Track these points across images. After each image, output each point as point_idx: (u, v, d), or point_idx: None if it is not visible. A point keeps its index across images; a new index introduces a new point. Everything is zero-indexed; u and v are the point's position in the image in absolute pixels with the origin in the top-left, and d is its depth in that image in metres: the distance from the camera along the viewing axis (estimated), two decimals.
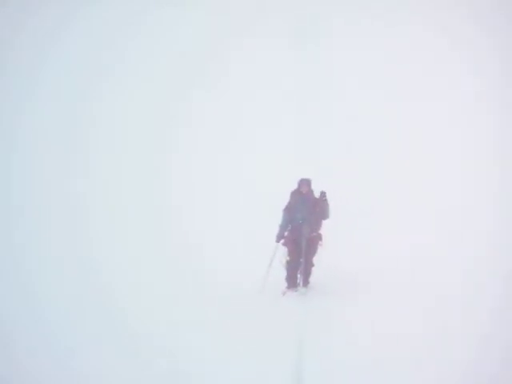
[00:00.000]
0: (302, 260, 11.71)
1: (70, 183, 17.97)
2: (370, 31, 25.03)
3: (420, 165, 18.23)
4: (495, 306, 10.45)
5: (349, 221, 15.07)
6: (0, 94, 22.97)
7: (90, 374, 9.02)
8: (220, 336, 10.06)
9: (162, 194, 17.26)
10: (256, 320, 10.75)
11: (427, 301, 10.85)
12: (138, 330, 10.36)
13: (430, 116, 20.80)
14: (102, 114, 22.09)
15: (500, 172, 17.18)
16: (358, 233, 14.47)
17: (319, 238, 11.86)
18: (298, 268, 11.77)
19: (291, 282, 11.87)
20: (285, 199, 12.02)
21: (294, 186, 11.87)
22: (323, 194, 11.80)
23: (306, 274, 11.86)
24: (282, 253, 11.90)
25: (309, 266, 11.86)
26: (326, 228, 11.94)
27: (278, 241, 11.86)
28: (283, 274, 11.91)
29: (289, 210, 11.77)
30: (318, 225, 11.81)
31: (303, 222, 11.69)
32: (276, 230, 11.83)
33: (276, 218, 11.88)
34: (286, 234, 11.85)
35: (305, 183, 11.79)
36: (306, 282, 11.87)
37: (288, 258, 11.84)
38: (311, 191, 11.81)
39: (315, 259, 11.90)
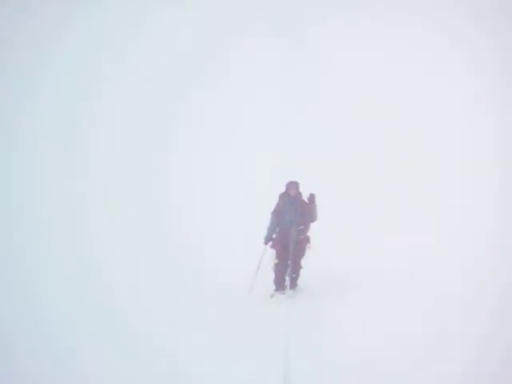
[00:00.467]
0: (289, 262, 11.72)
1: (69, 183, 17.97)
2: (370, 31, 25.02)
3: (420, 165, 18.22)
4: (495, 306, 10.45)
5: (348, 221, 15.09)
6: (0, 94, 22.97)
7: (89, 373, 9.04)
8: (215, 336, 10.08)
9: (161, 194, 17.26)
10: (244, 321, 10.76)
11: (427, 301, 10.85)
12: (137, 330, 10.36)
13: (430, 116, 20.79)
14: (101, 114, 22.08)
15: (500, 172, 17.17)
16: (357, 233, 14.46)
17: (307, 240, 11.88)
18: (286, 270, 11.78)
19: (279, 285, 11.89)
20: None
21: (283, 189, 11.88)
22: (312, 196, 11.81)
23: (294, 277, 11.89)
24: (270, 255, 11.90)
25: (297, 268, 11.88)
26: (319, 229, 11.97)
27: (266, 243, 11.86)
28: (271, 276, 11.92)
29: (277, 212, 11.79)
30: (306, 227, 11.82)
31: (291, 224, 11.70)
32: (264, 232, 11.84)
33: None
34: (274, 236, 11.86)
35: (293, 186, 11.81)
36: (293, 285, 11.91)
37: (276, 261, 11.84)
38: (299, 194, 11.83)
39: (303, 262, 11.92)
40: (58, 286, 12.18)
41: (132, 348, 9.73)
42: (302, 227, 11.73)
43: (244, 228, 15.04)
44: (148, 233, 15.10)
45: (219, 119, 21.84)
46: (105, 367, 9.16)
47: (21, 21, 25.85)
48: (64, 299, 11.56)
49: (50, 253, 13.89)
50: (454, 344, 9.31)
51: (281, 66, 24.25)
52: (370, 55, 24.04)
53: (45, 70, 24.18)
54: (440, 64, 22.98)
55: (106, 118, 22.00)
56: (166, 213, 16.21)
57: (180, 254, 13.72)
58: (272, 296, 11.84)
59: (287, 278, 11.82)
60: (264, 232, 11.84)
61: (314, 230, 12.05)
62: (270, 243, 11.86)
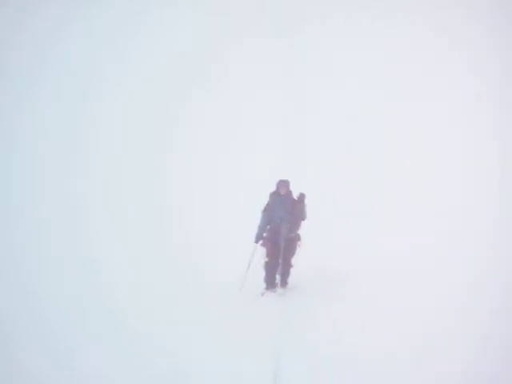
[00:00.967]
0: (280, 261, 11.74)
1: (69, 183, 17.98)
2: (370, 31, 25.02)
3: (420, 165, 18.22)
4: (495, 306, 10.45)
5: (348, 221, 15.10)
6: (0, 94, 22.98)
7: (90, 373, 9.03)
8: (212, 336, 10.08)
9: (161, 194, 17.26)
10: (235, 321, 10.76)
11: (427, 301, 10.85)
12: (137, 330, 10.36)
13: (429, 116, 20.79)
14: (101, 114, 22.09)
15: (500, 172, 17.18)
16: (356, 233, 14.46)
17: (298, 238, 11.91)
18: (277, 269, 11.80)
19: (270, 283, 11.91)
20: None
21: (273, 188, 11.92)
22: (302, 195, 11.85)
23: (285, 275, 11.92)
24: (260, 253, 11.92)
25: (287, 266, 11.91)
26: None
27: (256, 241, 11.91)
28: (262, 274, 11.93)
29: (267, 211, 11.83)
30: (296, 225, 11.85)
31: (281, 222, 11.73)
32: (255, 230, 11.87)
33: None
34: (264, 234, 11.89)
35: (283, 184, 11.87)
36: (284, 283, 11.94)
37: (266, 259, 11.87)
38: (289, 192, 11.89)
39: (293, 260, 11.95)
40: (58, 286, 12.19)
41: (132, 348, 9.73)
42: (292, 225, 11.74)
43: (244, 228, 15.05)
44: (148, 233, 15.11)
45: (219, 119, 21.84)
46: (105, 367, 9.16)
47: (21, 21, 25.86)
48: (64, 299, 11.56)
49: (50, 253, 13.89)
50: (454, 344, 9.31)
51: (281, 66, 24.25)
52: (369, 55, 24.03)
53: (45, 70, 24.19)
54: (440, 64, 22.98)
55: (105, 117, 22.00)
56: (165, 213, 16.21)
57: (180, 254, 13.72)
58: (263, 294, 11.86)
59: (278, 276, 11.84)
60: (255, 230, 11.87)
61: (315, 230, 12.06)
62: (261, 241, 11.90)
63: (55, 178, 18.32)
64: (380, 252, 13.18)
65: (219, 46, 24.77)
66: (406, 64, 23.22)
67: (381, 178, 17.73)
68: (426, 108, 21.22)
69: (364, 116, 21.17)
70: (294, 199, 11.87)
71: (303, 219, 11.89)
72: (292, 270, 11.98)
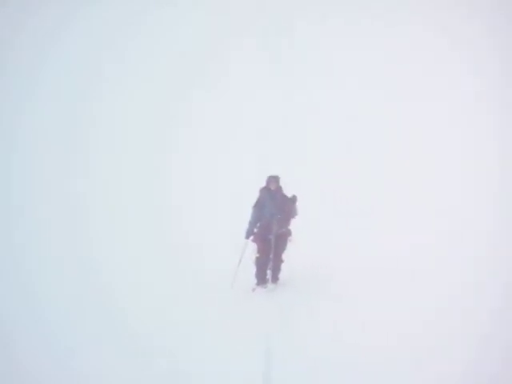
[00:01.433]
0: (271, 256, 11.78)
1: (69, 183, 17.97)
2: (370, 31, 25.01)
3: (420, 165, 18.21)
4: (495, 306, 10.45)
5: (348, 221, 15.09)
6: (0, 94, 22.97)
7: (90, 373, 9.03)
8: (209, 336, 10.08)
9: (161, 194, 17.25)
10: (226, 318, 10.78)
11: (427, 301, 10.84)
12: (137, 330, 10.36)
13: (429, 116, 20.79)
14: (101, 114, 22.08)
15: (500, 172, 17.17)
16: (357, 233, 14.45)
17: (289, 234, 11.94)
18: (268, 264, 11.85)
19: (261, 279, 11.94)
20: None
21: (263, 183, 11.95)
22: (294, 197, 11.88)
23: (276, 271, 11.96)
24: (251, 249, 11.94)
25: (278, 262, 11.95)
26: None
27: (247, 237, 11.93)
28: (253, 270, 11.95)
29: (258, 206, 11.87)
30: (286, 221, 11.87)
31: (272, 218, 11.76)
32: (245, 226, 11.91)
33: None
34: (255, 230, 11.92)
35: (273, 180, 11.90)
36: (275, 279, 11.98)
37: (257, 255, 11.91)
38: (280, 188, 11.92)
39: (284, 255, 11.98)
40: (58, 286, 12.18)
41: (132, 348, 9.73)
42: (282, 221, 11.77)
43: (243, 227, 15.04)
44: (148, 233, 15.10)
45: (219, 119, 21.83)
46: (105, 367, 9.16)
47: (21, 21, 25.85)
48: (64, 299, 11.56)
49: (50, 253, 13.89)
50: (454, 344, 9.30)
51: (281, 66, 24.24)
52: (369, 55, 24.03)
53: (45, 70, 24.18)
54: (440, 64, 22.98)
55: (106, 118, 21.99)
56: (165, 213, 16.21)
57: (180, 254, 13.72)
58: (253, 290, 11.89)
59: (269, 272, 11.88)
60: (245, 226, 11.91)
61: (315, 229, 12.06)
62: (252, 237, 11.93)
63: (55, 177, 18.31)
64: (380, 252, 13.17)
65: (219, 45, 24.76)
66: (406, 64, 23.21)
67: (381, 178, 17.72)
68: (426, 108, 21.22)
69: (364, 116, 21.16)
70: (284, 195, 11.91)
71: (294, 216, 11.91)
72: (283, 266, 12.01)
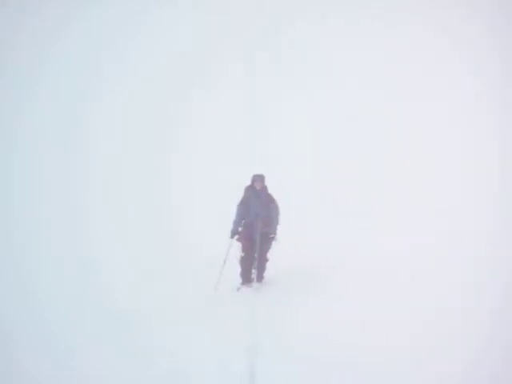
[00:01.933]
0: (256, 255, 11.78)
1: (70, 183, 17.97)
2: (370, 31, 25.01)
3: (420, 165, 18.22)
4: (495, 306, 10.45)
5: (348, 221, 15.09)
6: (0, 94, 22.97)
7: (90, 373, 9.03)
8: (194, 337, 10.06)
9: (162, 194, 17.26)
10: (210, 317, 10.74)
11: (427, 301, 10.84)
12: (137, 330, 10.36)
13: (430, 116, 20.79)
14: (101, 113, 22.09)
15: (500, 172, 17.17)
16: (357, 233, 14.45)
17: (274, 233, 11.94)
18: (253, 263, 11.84)
19: (246, 278, 11.94)
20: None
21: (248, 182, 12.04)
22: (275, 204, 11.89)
23: (261, 270, 11.97)
24: (236, 248, 11.96)
25: (263, 261, 11.97)
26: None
27: (232, 236, 11.96)
28: (238, 269, 11.98)
29: (242, 205, 11.90)
30: (271, 220, 11.87)
31: (257, 217, 11.78)
32: (230, 225, 11.92)
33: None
34: (240, 229, 11.94)
35: (258, 179, 11.95)
36: (260, 278, 11.99)
37: (242, 254, 11.92)
38: (265, 187, 11.96)
39: (269, 254, 12.01)
40: (58, 286, 12.19)
41: (132, 348, 9.73)
42: (267, 220, 11.80)
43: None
44: (148, 233, 15.10)
45: (219, 119, 21.83)
46: (105, 367, 9.15)
47: (21, 21, 25.85)
48: (64, 299, 11.56)
49: (50, 253, 13.89)
50: (454, 344, 9.30)
51: (281, 66, 24.24)
52: (369, 55, 24.03)
53: (45, 70, 24.18)
54: (440, 64, 22.98)
55: (105, 117, 22.00)
56: (165, 213, 16.21)
57: (180, 254, 13.72)
58: (238, 289, 11.90)
59: (254, 271, 11.87)
60: (230, 225, 11.93)
61: (314, 229, 12.04)
62: (236, 236, 11.94)
63: (55, 178, 18.32)
64: (380, 252, 13.17)
65: (219, 46, 24.76)
66: (406, 64, 23.21)
67: (381, 178, 17.72)
68: (426, 108, 21.22)
69: (364, 116, 21.16)
70: (269, 194, 11.96)
71: (276, 216, 11.91)
72: (268, 265, 12.02)
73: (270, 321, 10.35)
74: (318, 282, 12.07)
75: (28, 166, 19.11)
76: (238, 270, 12.01)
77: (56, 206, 16.64)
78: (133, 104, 22.70)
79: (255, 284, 11.86)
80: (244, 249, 11.91)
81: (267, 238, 11.90)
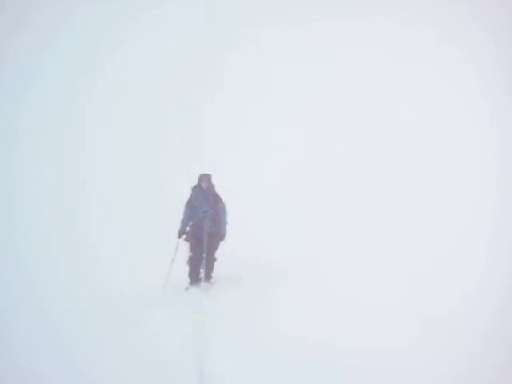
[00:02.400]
0: (203, 255, 11.77)
1: (70, 183, 17.98)
2: (370, 31, 25.02)
3: (420, 165, 18.22)
4: (495, 306, 10.45)
5: (348, 221, 15.09)
6: (0, 94, 22.98)
7: (90, 373, 9.03)
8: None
9: (161, 194, 17.25)
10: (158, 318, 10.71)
11: (426, 301, 10.84)
12: (138, 330, 10.36)
13: (430, 116, 20.80)
14: (101, 113, 22.10)
15: (501, 173, 17.17)
16: (356, 233, 14.45)
17: (223, 232, 11.93)
18: (201, 263, 11.83)
19: (194, 278, 11.91)
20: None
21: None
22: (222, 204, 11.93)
23: (209, 269, 11.94)
24: (184, 248, 11.94)
25: (211, 260, 11.95)
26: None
27: (179, 236, 11.98)
28: (186, 269, 11.96)
29: (189, 205, 11.92)
30: (219, 219, 11.88)
31: (204, 216, 11.77)
32: (178, 225, 11.93)
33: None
34: (187, 229, 11.94)
35: (205, 179, 12.01)
36: (208, 277, 11.96)
37: (190, 254, 11.91)
38: (212, 186, 12.00)
39: (217, 254, 12.00)
40: (58, 286, 12.18)
41: (132, 348, 9.73)
42: (214, 219, 11.81)
43: (243, 227, 15.04)
44: (148, 233, 15.10)
45: (219, 119, 21.84)
46: (105, 367, 9.16)
47: (21, 21, 25.86)
48: (64, 299, 11.56)
49: (50, 253, 13.89)
50: (454, 344, 9.30)
51: (281, 66, 24.26)
52: (369, 55, 24.04)
53: (44, 70, 24.18)
54: (441, 64, 22.99)
55: (105, 117, 22.01)
56: (165, 213, 16.20)
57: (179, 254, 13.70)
58: (187, 289, 11.86)
59: (202, 271, 11.85)
60: (177, 225, 11.94)
61: (314, 229, 12.01)
62: (184, 236, 11.93)
63: (55, 178, 18.32)
64: (380, 252, 13.16)
65: (219, 46, 24.77)
66: (407, 64, 23.22)
67: (381, 178, 17.72)
68: (427, 108, 21.22)
69: (364, 116, 21.17)
70: (216, 193, 11.99)
71: (223, 216, 11.91)
72: (216, 264, 11.98)
73: (218, 321, 10.30)
74: (332, 282, 11.98)
75: (28, 166, 19.11)
76: (187, 270, 11.95)
77: (56, 206, 16.64)
78: (132, 104, 22.71)
79: (203, 284, 11.81)
80: (192, 248, 11.91)
81: (215, 238, 11.88)
